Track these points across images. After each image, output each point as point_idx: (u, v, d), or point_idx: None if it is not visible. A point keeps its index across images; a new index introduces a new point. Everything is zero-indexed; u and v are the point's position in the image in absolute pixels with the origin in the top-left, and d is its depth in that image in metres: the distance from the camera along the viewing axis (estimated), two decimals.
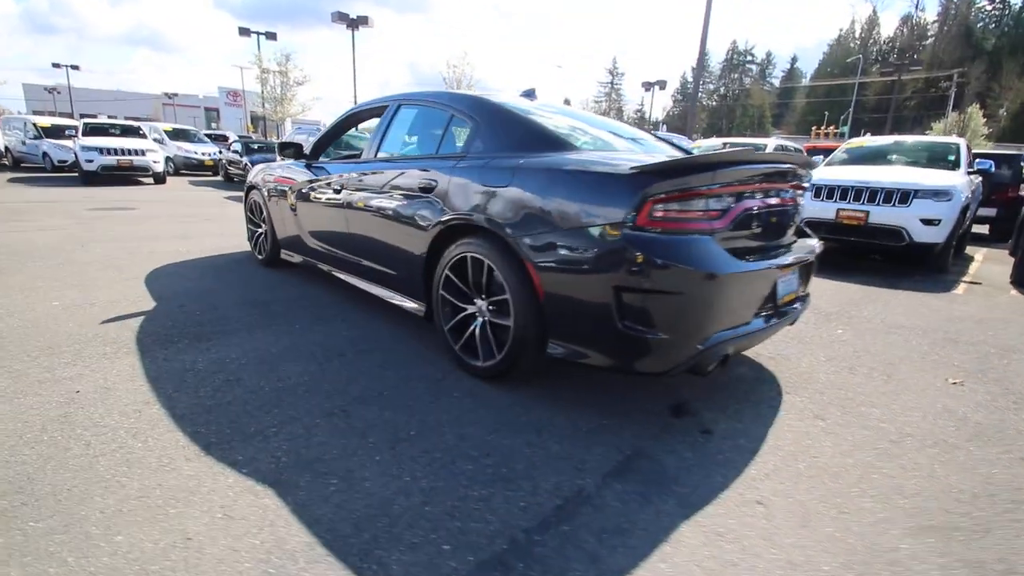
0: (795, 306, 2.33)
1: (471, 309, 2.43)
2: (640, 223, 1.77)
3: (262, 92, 27.14)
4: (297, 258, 4.10)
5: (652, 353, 1.87)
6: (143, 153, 12.26)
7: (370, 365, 2.52)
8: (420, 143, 3.06)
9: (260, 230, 4.53)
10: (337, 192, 3.21)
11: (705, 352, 1.87)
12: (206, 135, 19.47)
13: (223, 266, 4.46)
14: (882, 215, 5.56)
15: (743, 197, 1.96)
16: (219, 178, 15.61)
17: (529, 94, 3.06)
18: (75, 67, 42.70)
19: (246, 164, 13.40)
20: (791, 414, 2.26)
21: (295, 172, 3.87)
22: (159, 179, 12.71)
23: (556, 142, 2.24)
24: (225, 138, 21.91)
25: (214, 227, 6.62)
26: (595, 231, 1.84)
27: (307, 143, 3.91)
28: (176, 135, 17.04)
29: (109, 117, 21.51)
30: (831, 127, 48.64)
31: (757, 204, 2.04)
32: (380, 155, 3.04)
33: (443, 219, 2.40)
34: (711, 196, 1.84)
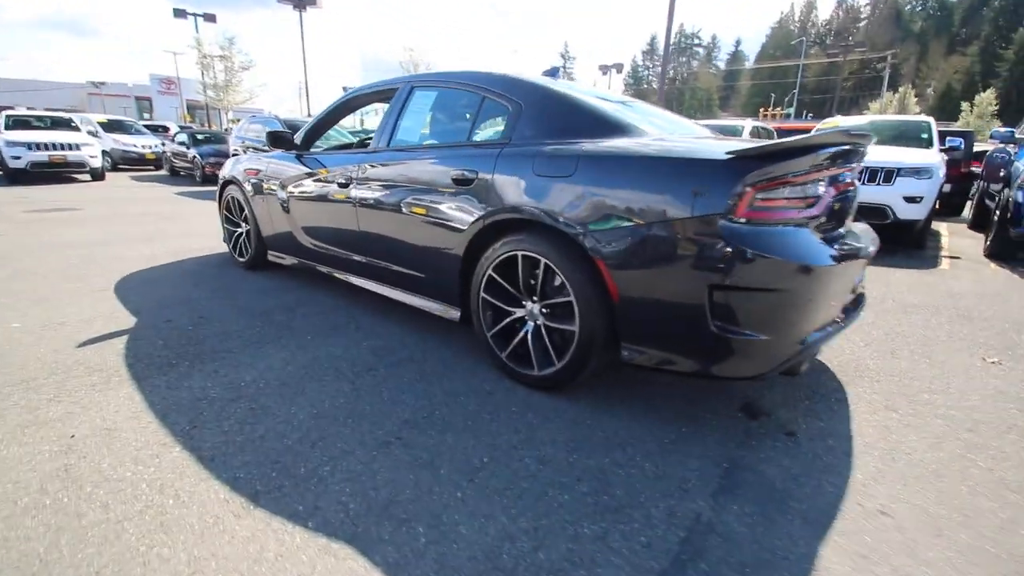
0: (862, 303, 2.23)
1: (519, 313, 2.22)
2: (739, 214, 1.60)
3: (203, 79, 25.39)
4: (288, 260, 3.74)
5: (748, 356, 1.71)
6: (78, 147, 11.18)
7: (408, 380, 2.27)
8: (443, 130, 2.78)
9: (240, 230, 4.12)
10: (343, 186, 2.89)
11: (803, 352, 1.74)
12: (144, 126, 18.04)
13: (201, 271, 4.03)
14: (867, 193, 5.66)
15: (830, 182, 1.82)
16: (163, 172, 14.54)
17: (552, 73, 2.83)
18: None
19: (194, 157, 12.52)
20: (862, 406, 2.18)
21: (283, 165, 3.49)
22: (97, 175, 11.65)
23: (616, 126, 2.03)
24: (165, 129, 20.41)
25: (175, 227, 6.06)
26: (685, 224, 1.65)
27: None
28: (111, 127, 15.69)
29: (28, 109, 19.55)
30: (777, 108, 50.42)
31: (838, 189, 1.91)
32: (394, 144, 2.74)
33: (486, 214, 2.15)
34: (808, 182, 1.69)
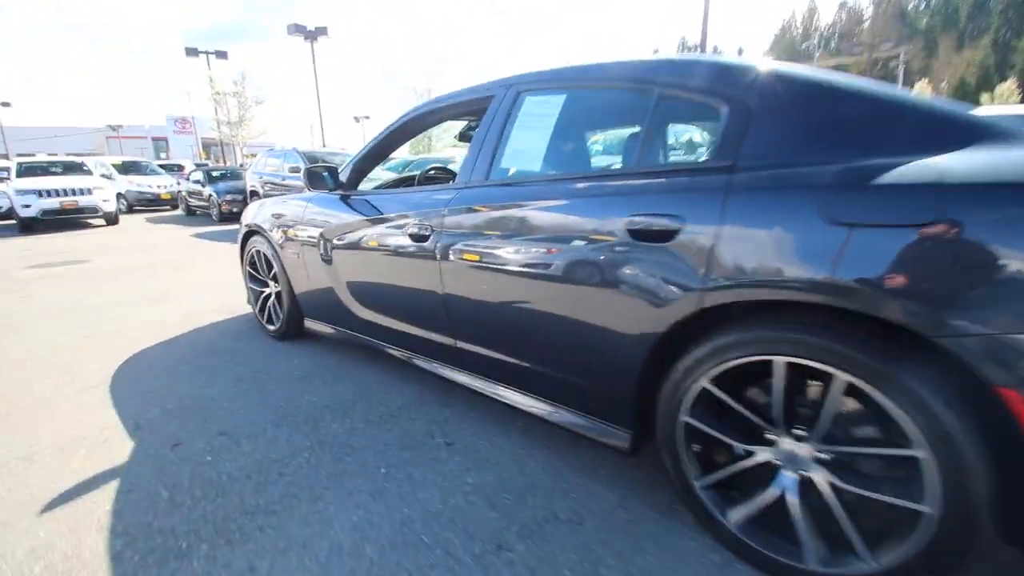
0: None
1: (764, 455, 1.29)
2: None
3: (216, 115, 25.24)
4: (327, 328, 2.87)
5: None
6: (90, 192, 10.63)
7: (573, 574, 1.34)
8: (584, 152, 1.90)
9: (268, 290, 3.28)
10: (418, 239, 2.02)
11: None
12: (159, 166, 17.68)
13: (220, 346, 3.18)
14: None
15: None
16: (180, 212, 14.01)
17: None
18: (7, 104, 39.58)
19: (210, 195, 11.97)
20: None
21: (324, 210, 2.65)
22: (111, 220, 11.09)
23: (974, 128, 1.11)
24: (180, 168, 20.08)
25: (189, 278, 5.27)
26: None
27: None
28: (126, 168, 15.28)
29: (49, 155, 19.50)
30: None
31: None
32: (497, 176, 1.86)
33: (707, 289, 1.25)
34: None
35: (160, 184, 14.83)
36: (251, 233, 3.31)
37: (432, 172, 3.17)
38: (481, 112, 2.04)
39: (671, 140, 1.60)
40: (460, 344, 2.02)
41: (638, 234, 1.37)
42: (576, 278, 1.52)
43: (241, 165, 19.67)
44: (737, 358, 1.25)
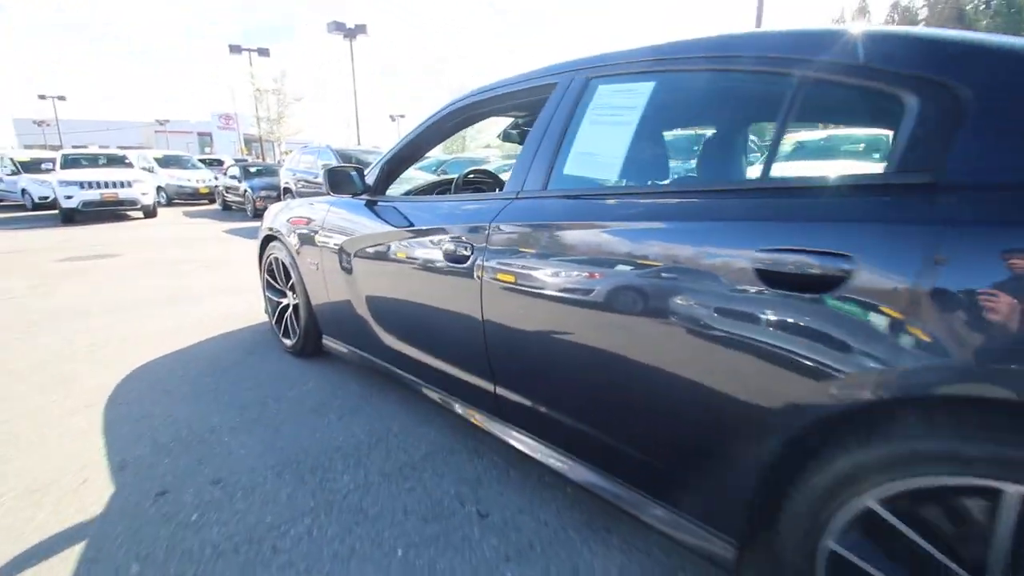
0: None
1: None
2: None
3: (256, 111, 25.68)
4: (344, 349, 2.54)
5: None
6: (130, 184, 10.75)
7: None
8: (671, 158, 1.49)
9: (286, 301, 2.97)
10: (458, 259, 1.64)
11: None
12: (200, 160, 17.98)
13: (232, 360, 2.89)
14: None
15: None
16: (216, 206, 14.13)
17: None
18: (62, 98, 41.43)
19: (245, 190, 11.99)
20: None
21: (348, 217, 2.31)
22: (149, 213, 11.20)
23: None
24: (220, 163, 20.46)
25: (214, 278, 5.06)
26: None
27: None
28: (167, 162, 15.55)
29: (101, 148, 20.16)
30: None
31: None
32: (557, 186, 1.47)
33: (898, 373, 0.82)
34: None
35: (199, 179, 15.02)
36: (269, 239, 3.01)
37: (472, 175, 2.80)
38: (537, 105, 1.65)
39: (820, 143, 1.18)
40: (500, 391, 1.63)
41: (771, 277, 0.95)
42: (665, 327, 1.11)
43: (279, 161, 19.88)
44: (933, 475, 0.82)
